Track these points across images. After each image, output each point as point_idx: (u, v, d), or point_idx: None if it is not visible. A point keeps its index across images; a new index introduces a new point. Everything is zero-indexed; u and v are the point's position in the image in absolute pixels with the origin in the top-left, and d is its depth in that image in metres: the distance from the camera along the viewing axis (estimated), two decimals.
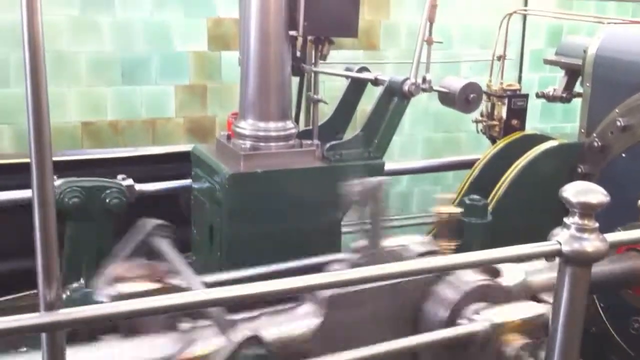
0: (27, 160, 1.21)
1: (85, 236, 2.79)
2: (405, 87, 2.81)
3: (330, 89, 3.71)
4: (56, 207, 1.25)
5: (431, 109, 3.89)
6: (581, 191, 1.61)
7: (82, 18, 3.75)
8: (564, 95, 3.56)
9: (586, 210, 1.57)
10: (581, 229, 1.56)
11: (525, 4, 4.49)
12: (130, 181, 3.02)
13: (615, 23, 3.23)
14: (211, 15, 4.07)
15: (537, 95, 3.67)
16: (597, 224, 1.59)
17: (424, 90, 2.88)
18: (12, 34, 3.56)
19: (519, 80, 4.95)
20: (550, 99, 3.63)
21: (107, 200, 2.89)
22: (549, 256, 1.57)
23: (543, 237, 1.61)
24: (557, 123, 5.24)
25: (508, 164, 3.24)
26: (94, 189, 2.89)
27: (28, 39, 2.60)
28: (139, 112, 3.98)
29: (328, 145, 2.84)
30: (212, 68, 4.13)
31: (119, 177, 3.01)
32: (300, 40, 2.91)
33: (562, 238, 1.56)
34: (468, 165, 3.74)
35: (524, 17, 4.53)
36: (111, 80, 3.87)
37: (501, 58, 3.69)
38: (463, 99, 2.90)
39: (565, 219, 1.59)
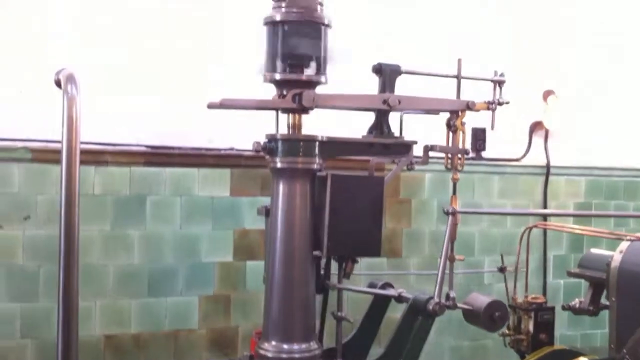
0: None
1: None
2: (430, 307, 2.80)
3: (354, 298, 3.71)
4: None
5: (455, 316, 3.84)
6: None
7: (113, 232, 3.88)
8: (591, 308, 3.53)
9: None
10: None
11: (544, 218, 4.58)
12: None
13: (633, 240, 3.27)
14: (238, 227, 4.19)
15: (564, 308, 3.64)
16: None
17: (448, 307, 2.87)
18: (44, 247, 3.68)
19: (544, 288, 4.94)
20: (577, 311, 3.60)
21: None
22: None
23: None
24: (586, 329, 5.14)
25: None
26: None
27: (64, 257, 2.69)
28: (163, 324, 3.98)
29: None
30: (237, 278, 4.18)
31: None
32: (324, 259, 2.97)
33: None
34: None
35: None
36: (137, 292, 3.92)
37: (518, 268, 3.71)
38: (488, 318, 2.88)
39: None
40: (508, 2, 4.93)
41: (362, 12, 4.36)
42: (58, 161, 2.79)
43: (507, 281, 3.64)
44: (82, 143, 2.77)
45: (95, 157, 3.79)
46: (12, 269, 3.69)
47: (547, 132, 5.10)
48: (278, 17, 2.84)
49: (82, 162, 2.79)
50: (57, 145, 2.85)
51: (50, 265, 3.63)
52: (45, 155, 3.67)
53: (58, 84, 2.71)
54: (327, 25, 2.90)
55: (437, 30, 4.63)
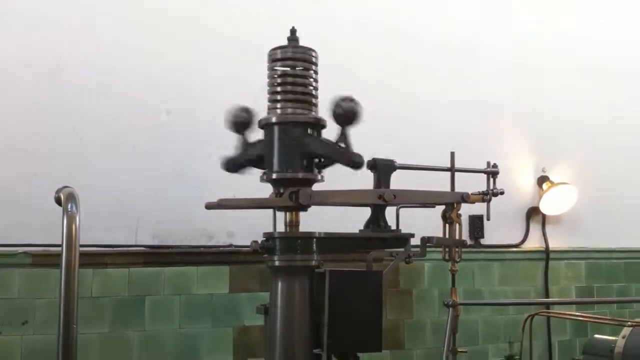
0: None
1: None
2: None
3: None
4: None
5: None
6: None
7: (111, 334, 3.83)
8: None
9: None
10: None
11: (548, 307, 4.57)
12: None
13: (635, 325, 3.26)
14: (237, 323, 4.15)
15: None
16: None
17: None
18: (42, 352, 3.63)
19: None
20: None
21: None
22: None
23: None
24: None
25: None
26: None
27: None
28: None
29: None
30: None
31: None
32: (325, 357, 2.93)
33: None
34: None
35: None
36: None
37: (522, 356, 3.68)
38: None
39: None
40: (505, 95, 5.05)
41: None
42: (58, 265, 2.81)
43: None
44: (81, 246, 2.80)
45: (94, 259, 3.79)
46: None
47: (544, 217, 5.13)
48: (273, 119, 2.92)
49: (80, 265, 2.82)
50: (57, 249, 2.88)
51: None
52: (46, 260, 3.66)
53: (58, 201, 2.75)
54: (322, 126, 2.98)
55: (434, 125, 4.71)
